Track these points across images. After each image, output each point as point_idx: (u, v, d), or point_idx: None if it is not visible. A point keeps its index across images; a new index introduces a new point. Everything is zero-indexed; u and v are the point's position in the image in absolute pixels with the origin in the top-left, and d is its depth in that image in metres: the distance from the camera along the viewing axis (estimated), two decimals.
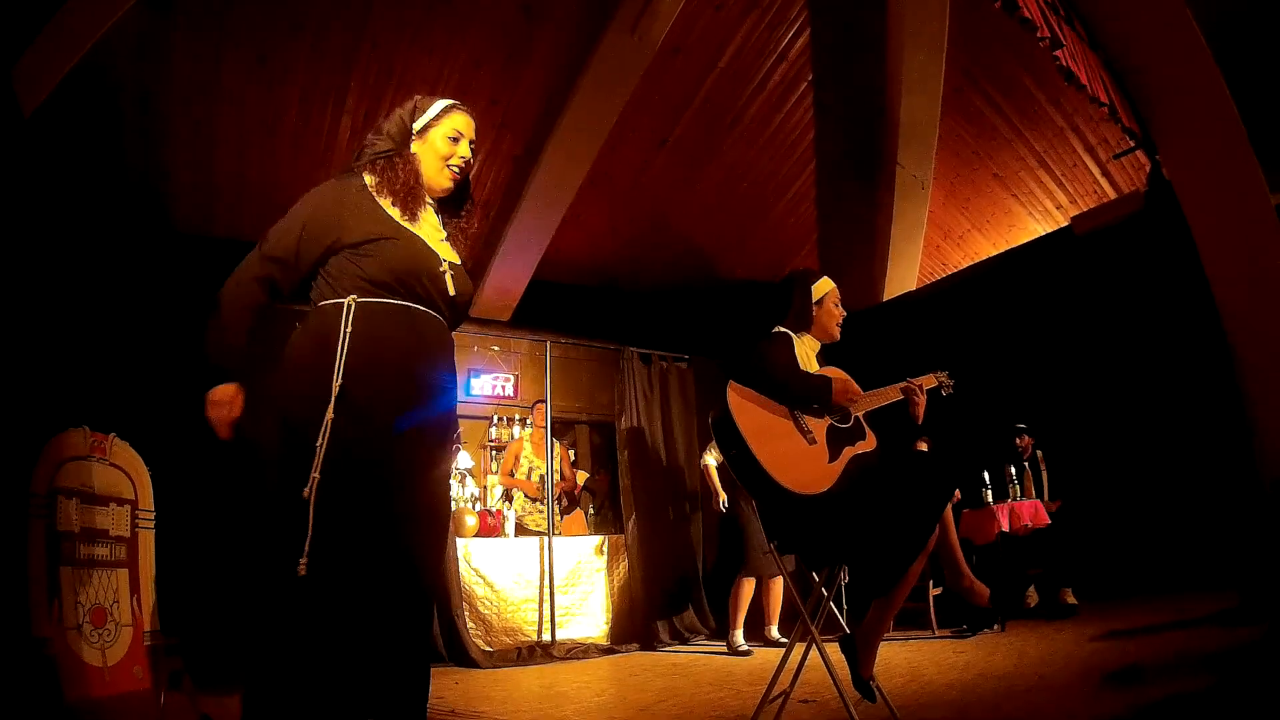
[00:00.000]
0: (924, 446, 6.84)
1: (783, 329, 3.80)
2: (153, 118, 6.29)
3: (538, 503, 7.92)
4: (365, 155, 2.65)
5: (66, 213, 6.03)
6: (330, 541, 2.19)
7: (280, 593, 2.19)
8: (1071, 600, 6.23)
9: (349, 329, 2.33)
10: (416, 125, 2.66)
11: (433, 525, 2.52)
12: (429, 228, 2.62)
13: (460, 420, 8.47)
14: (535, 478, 8.03)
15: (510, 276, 8.48)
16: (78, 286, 5.90)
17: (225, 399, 2.49)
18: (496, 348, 8.88)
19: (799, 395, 3.45)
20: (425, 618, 2.49)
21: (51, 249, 5.56)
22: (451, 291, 2.56)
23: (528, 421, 8.60)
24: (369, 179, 2.59)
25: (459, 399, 8.31)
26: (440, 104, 2.71)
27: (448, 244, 2.69)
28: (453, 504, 7.38)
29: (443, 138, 2.67)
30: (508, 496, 8.04)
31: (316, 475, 2.20)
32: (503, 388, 8.88)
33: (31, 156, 5.22)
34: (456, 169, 2.70)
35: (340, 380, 2.28)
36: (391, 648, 2.29)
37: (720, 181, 8.81)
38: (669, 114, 7.93)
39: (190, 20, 5.79)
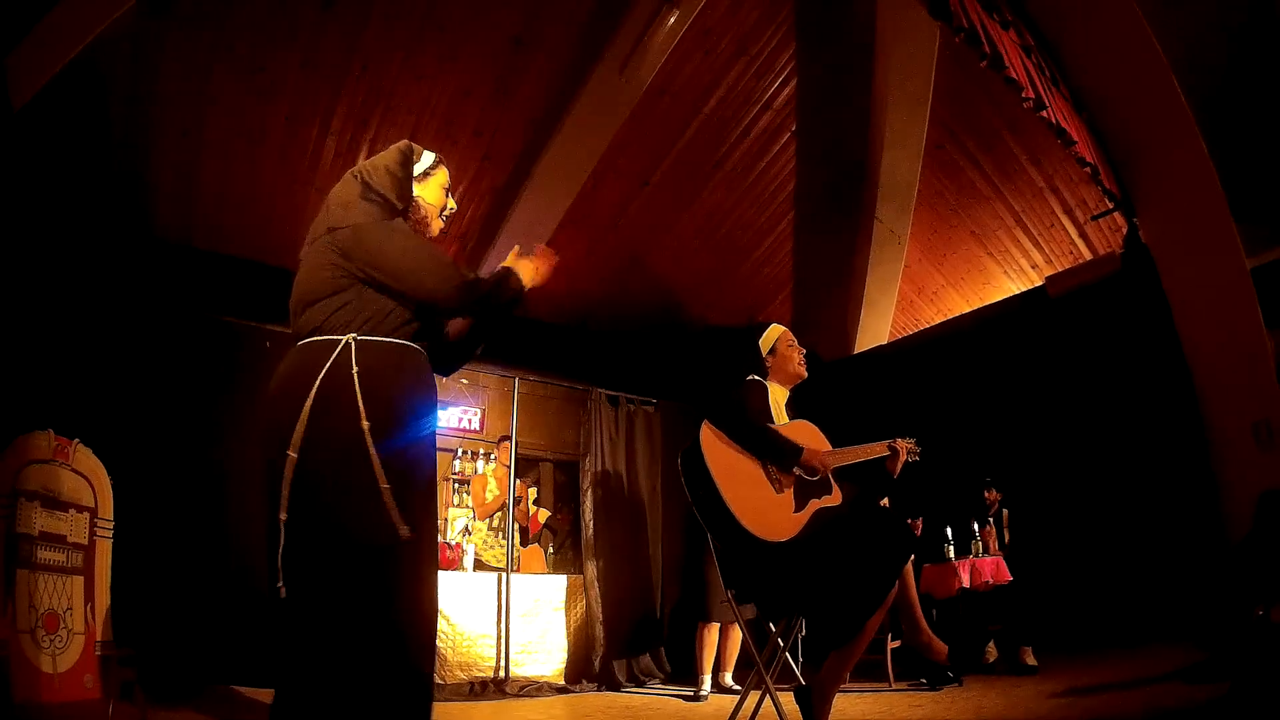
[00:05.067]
0: (885, 503, 6.84)
1: (756, 377, 3.84)
2: (141, 120, 6.20)
3: (498, 534, 7.86)
4: (392, 196, 2.60)
5: (46, 211, 5.97)
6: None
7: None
8: (1031, 661, 6.21)
9: (355, 368, 2.36)
10: (419, 169, 2.66)
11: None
12: None
13: None
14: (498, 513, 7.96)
15: None
16: (51, 286, 5.83)
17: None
18: (464, 380, 8.83)
19: (768, 450, 3.46)
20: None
21: (28, 246, 5.51)
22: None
23: (492, 456, 8.56)
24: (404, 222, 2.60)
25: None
26: (431, 154, 2.74)
27: None
28: None
29: (440, 187, 2.71)
30: (467, 530, 7.95)
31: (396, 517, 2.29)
32: (469, 421, 8.83)
33: (16, 152, 5.18)
34: (446, 219, 2.78)
35: (367, 421, 2.31)
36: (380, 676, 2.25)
37: (699, 226, 8.83)
38: (652, 155, 7.94)
39: (185, 25, 5.72)
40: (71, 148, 6.00)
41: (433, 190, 2.69)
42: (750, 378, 3.85)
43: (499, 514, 7.97)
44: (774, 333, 3.98)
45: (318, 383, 2.30)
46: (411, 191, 2.62)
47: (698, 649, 6.65)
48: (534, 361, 8.89)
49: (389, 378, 2.40)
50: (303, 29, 5.99)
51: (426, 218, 2.67)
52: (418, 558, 2.35)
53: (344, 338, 2.36)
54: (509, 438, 8.17)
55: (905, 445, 3.85)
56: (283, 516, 2.21)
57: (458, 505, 8.48)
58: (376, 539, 2.24)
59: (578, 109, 6.95)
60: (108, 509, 4.97)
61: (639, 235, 8.74)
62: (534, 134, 7.30)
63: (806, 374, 3.97)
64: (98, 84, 5.75)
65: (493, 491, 8.03)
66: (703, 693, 6.45)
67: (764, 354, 3.93)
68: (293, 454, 2.23)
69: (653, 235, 8.80)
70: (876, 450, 3.80)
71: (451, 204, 2.77)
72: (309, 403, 2.27)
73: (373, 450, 2.27)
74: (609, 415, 8.89)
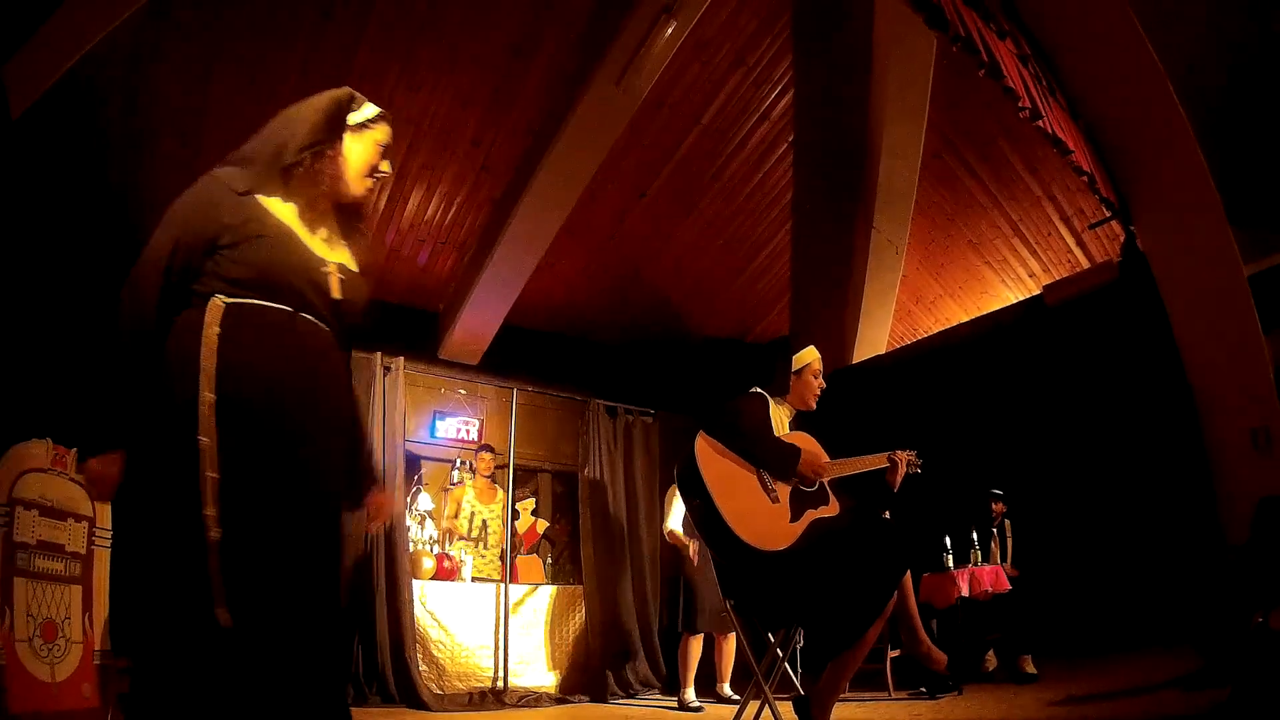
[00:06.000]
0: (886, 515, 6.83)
1: (760, 390, 3.82)
2: (139, 128, 6.22)
3: (478, 544, 7.82)
4: (276, 145, 2.45)
5: (45, 219, 5.95)
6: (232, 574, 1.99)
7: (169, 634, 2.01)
8: (1031, 669, 6.19)
9: (216, 330, 2.13)
10: (354, 119, 2.46)
11: (327, 555, 2.24)
12: (322, 229, 2.41)
13: (423, 462, 8.33)
14: (478, 522, 7.92)
15: (481, 321, 8.42)
16: (50, 293, 5.82)
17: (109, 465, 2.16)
18: (463, 391, 8.83)
19: (766, 457, 3.45)
20: (329, 655, 2.21)
21: (27, 254, 5.50)
22: (336, 294, 2.33)
23: (470, 467, 8.37)
24: (251, 171, 2.42)
25: (426, 440, 8.14)
26: (374, 107, 2.51)
27: (344, 249, 2.47)
28: (410, 545, 7.30)
29: (375, 143, 2.47)
30: (449, 539, 7.88)
31: (211, 512, 1.99)
32: (467, 432, 8.81)
33: (15, 161, 5.18)
34: (375, 180, 2.51)
35: (211, 394, 2.06)
36: (303, 684, 2.06)
37: (696, 237, 8.85)
38: (650, 166, 7.96)
39: (184, 34, 5.74)
40: (70, 155, 6.00)
41: (365, 144, 2.44)
42: (753, 390, 3.84)
43: (481, 525, 7.93)
44: (809, 355, 3.93)
45: (203, 351, 2.11)
46: (313, 138, 2.41)
47: (680, 658, 6.64)
48: (532, 372, 8.91)
49: (252, 344, 2.17)
50: (301, 37, 6.00)
51: (338, 172, 2.40)
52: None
53: (212, 299, 2.19)
54: (489, 447, 8.19)
55: (905, 457, 3.84)
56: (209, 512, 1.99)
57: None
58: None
59: (575, 120, 6.92)
60: (106, 518, 4.96)
61: (636, 246, 8.75)
62: (532, 144, 7.30)
63: (815, 408, 3.95)
64: (96, 92, 5.75)
65: (472, 505, 7.96)
66: (692, 705, 6.44)
67: (791, 370, 3.90)
68: (204, 439, 2.03)
69: (651, 246, 8.82)
70: (876, 462, 3.79)
71: (385, 166, 2.49)
72: (208, 375, 2.08)
73: (207, 426, 2.05)
74: (607, 426, 8.90)
